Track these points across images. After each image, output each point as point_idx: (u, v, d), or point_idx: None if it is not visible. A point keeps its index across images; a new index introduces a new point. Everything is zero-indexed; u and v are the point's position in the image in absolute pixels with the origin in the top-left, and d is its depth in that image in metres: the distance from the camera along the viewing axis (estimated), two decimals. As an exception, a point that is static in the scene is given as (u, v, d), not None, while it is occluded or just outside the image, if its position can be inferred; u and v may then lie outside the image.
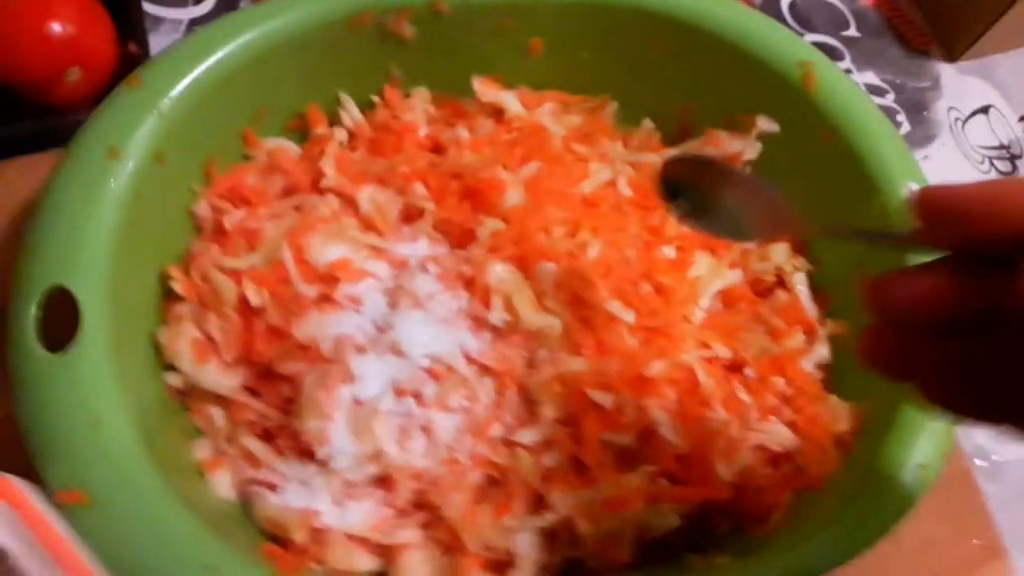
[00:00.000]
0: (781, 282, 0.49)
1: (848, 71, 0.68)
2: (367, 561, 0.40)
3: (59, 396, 0.34)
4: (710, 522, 0.42)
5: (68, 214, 0.37)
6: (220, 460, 0.40)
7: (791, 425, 0.44)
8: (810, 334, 0.47)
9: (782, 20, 0.68)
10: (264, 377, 0.42)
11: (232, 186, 0.45)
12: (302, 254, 0.42)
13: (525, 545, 0.40)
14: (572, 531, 0.40)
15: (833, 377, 0.46)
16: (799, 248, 0.49)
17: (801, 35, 0.66)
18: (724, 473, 0.41)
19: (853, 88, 0.48)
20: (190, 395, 0.42)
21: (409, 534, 0.40)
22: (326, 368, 0.40)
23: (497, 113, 0.50)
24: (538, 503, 0.41)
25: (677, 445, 0.41)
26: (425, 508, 0.41)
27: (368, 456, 0.40)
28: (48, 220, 0.37)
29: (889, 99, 0.67)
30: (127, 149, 0.39)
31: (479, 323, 0.42)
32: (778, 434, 0.43)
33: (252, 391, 0.42)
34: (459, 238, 0.45)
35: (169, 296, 0.43)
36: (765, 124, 0.49)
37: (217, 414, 0.41)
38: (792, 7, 0.70)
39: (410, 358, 0.41)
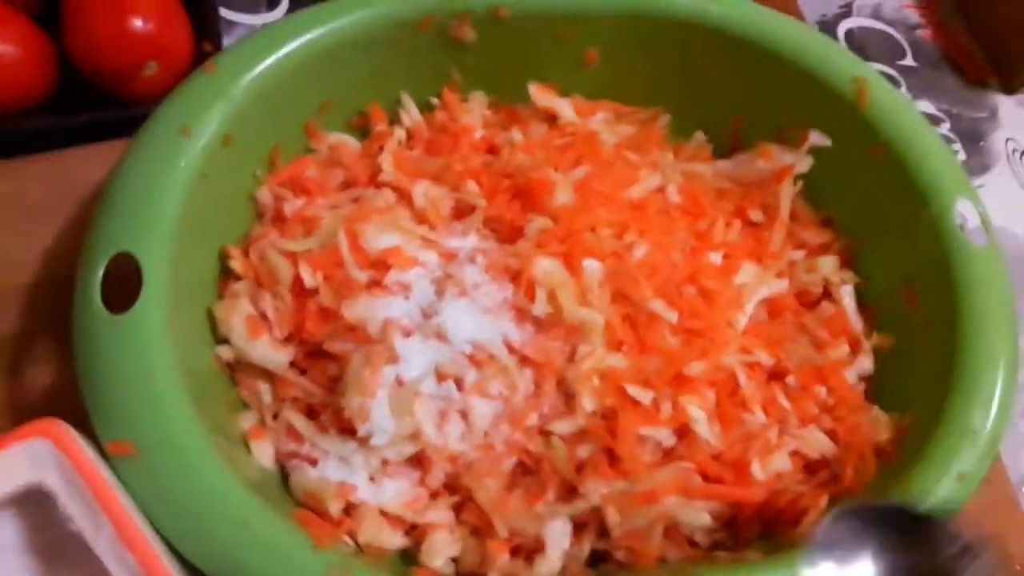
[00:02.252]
0: (828, 294, 0.49)
1: (904, 100, 0.68)
2: (397, 539, 0.41)
3: (117, 352, 0.36)
4: (739, 526, 0.42)
5: (139, 185, 0.39)
6: (263, 431, 0.42)
7: (830, 434, 0.44)
8: (854, 346, 0.47)
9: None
10: (312, 356, 0.43)
11: (294, 176, 0.47)
12: (357, 240, 0.43)
13: (555, 533, 0.40)
14: (602, 522, 0.41)
15: (876, 389, 0.46)
16: (847, 261, 0.49)
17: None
18: (759, 474, 0.41)
19: (906, 105, 0.48)
20: (239, 369, 0.43)
21: (440, 515, 0.41)
22: (372, 348, 0.41)
23: (551, 119, 0.52)
24: (569, 494, 0.41)
25: (713, 444, 0.41)
26: (457, 491, 0.41)
27: (406, 436, 0.40)
28: (119, 190, 0.39)
29: (945, 128, 0.67)
30: (198, 129, 0.41)
31: (522, 315, 0.43)
32: (816, 441, 0.43)
33: (299, 369, 0.43)
34: (508, 235, 0.46)
35: (227, 275, 0.45)
36: (817, 138, 0.50)
37: (264, 389, 0.43)
38: (848, 35, 0.70)
39: (453, 344, 0.42)
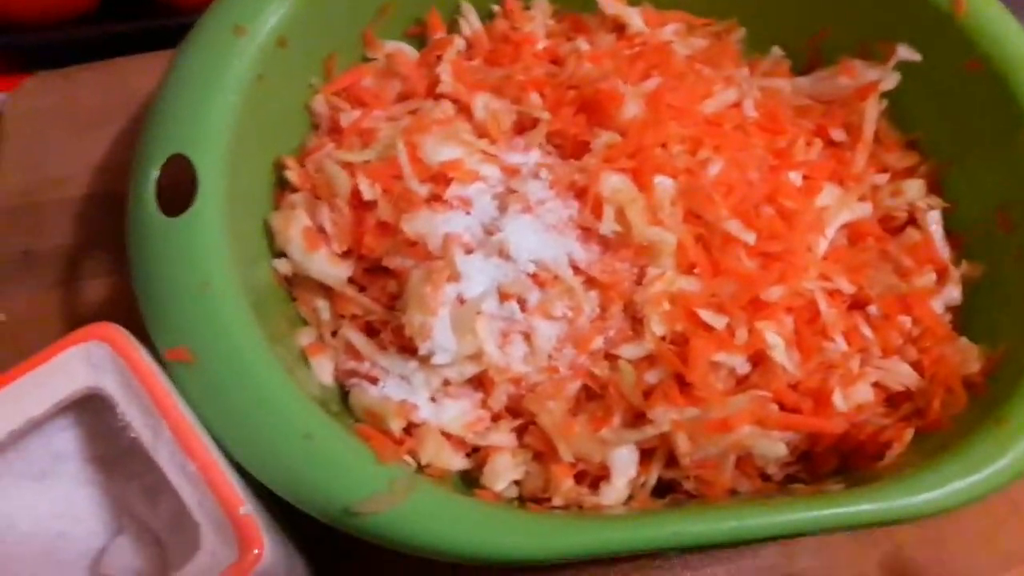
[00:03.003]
0: (913, 220, 0.46)
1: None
2: (458, 461, 0.39)
3: (172, 258, 0.35)
4: (815, 460, 0.40)
5: (193, 86, 0.37)
6: (322, 347, 0.40)
7: (915, 365, 0.41)
8: (942, 275, 0.44)
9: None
10: (370, 272, 0.42)
11: (350, 85, 0.45)
12: (416, 152, 0.41)
13: (621, 459, 0.39)
14: (670, 450, 0.39)
15: (964, 320, 0.43)
16: (934, 185, 0.46)
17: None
18: (840, 405, 0.39)
19: (1006, 14, 0.44)
20: (297, 284, 0.42)
21: (502, 437, 0.39)
22: (433, 264, 0.39)
23: (618, 29, 0.49)
24: (636, 420, 0.39)
25: (791, 372, 0.39)
26: (520, 414, 0.40)
27: (468, 355, 0.39)
28: (173, 91, 0.37)
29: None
30: (253, 28, 0.39)
31: (588, 234, 0.41)
32: (900, 372, 0.41)
33: (358, 286, 0.42)
34: (572, 150, 0.44)
35: (282, 186, 0.43)
36: (905, 53, 0.46)
37: (322, 306, 0.42)
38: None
39: (516, 262, 0.40)
